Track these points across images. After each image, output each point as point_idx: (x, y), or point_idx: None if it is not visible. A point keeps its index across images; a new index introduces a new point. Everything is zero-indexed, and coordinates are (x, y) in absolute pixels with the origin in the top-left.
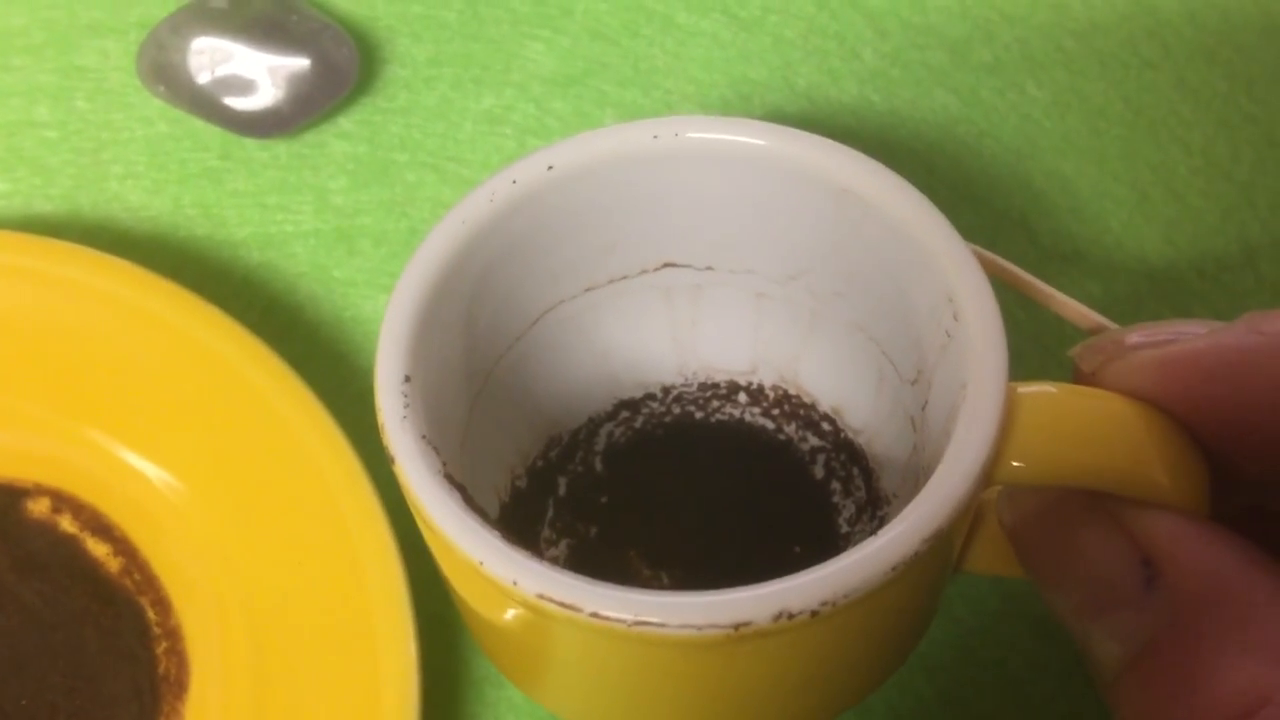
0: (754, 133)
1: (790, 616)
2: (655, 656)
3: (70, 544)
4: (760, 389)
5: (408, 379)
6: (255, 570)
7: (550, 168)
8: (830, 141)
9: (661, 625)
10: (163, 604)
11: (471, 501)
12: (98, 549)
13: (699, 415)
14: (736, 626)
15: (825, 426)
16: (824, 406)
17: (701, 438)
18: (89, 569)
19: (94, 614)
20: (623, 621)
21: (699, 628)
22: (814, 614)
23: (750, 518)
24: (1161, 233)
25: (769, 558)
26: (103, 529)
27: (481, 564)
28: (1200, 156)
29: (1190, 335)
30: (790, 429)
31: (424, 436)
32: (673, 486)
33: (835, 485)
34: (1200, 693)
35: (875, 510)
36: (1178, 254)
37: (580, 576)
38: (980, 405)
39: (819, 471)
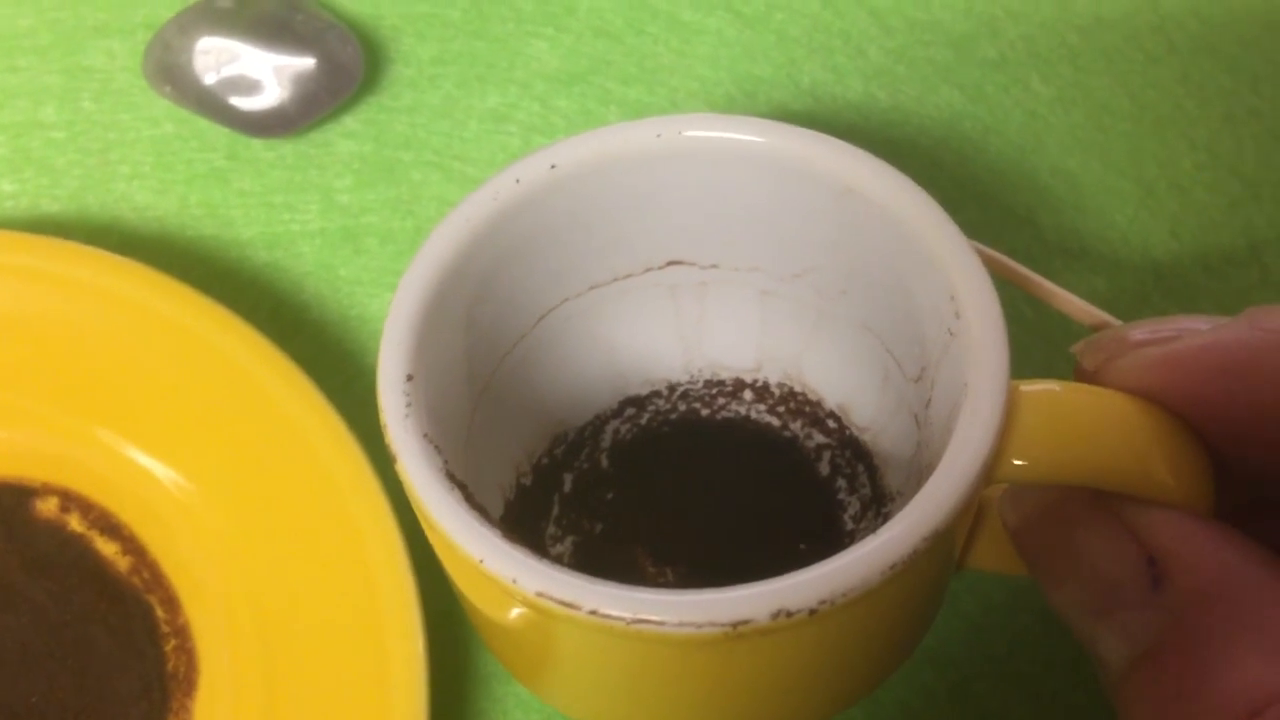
0: (757, 131)
1: (789, 615)
2: (655, 654)
3: (79, 543)
4: (766, 386)
5: (410, 378)
6: (263, 568)
7: (553, 166)
8: (834, 139)
9: (660, 623)
10: (171, 602)
11: (473, 500)
12: (106, 548)
13: (705, 412)
14: (735, 625)
15: (830, 424)
16: (829, 404)
17: (707, 435)
18: (97, 568)
19: (103, 612)
20: (621, 619)
21: (698, 626)
22: (812, 612)
23: (756, 514)
24: (1167, 227)
25: (774, 555)
26: (111, 528)
27: (481, 562)
28: (1205, 151)
29: (1192, 332)
30: (796, 426)
31: (426, 435)
32: (678, 483)
33: (841, 482)
34: (1207, 692)
35: (880, 507)
36: (1183, 249)
37: (580, 574)
38: (980, 404)
39: (824, 468)
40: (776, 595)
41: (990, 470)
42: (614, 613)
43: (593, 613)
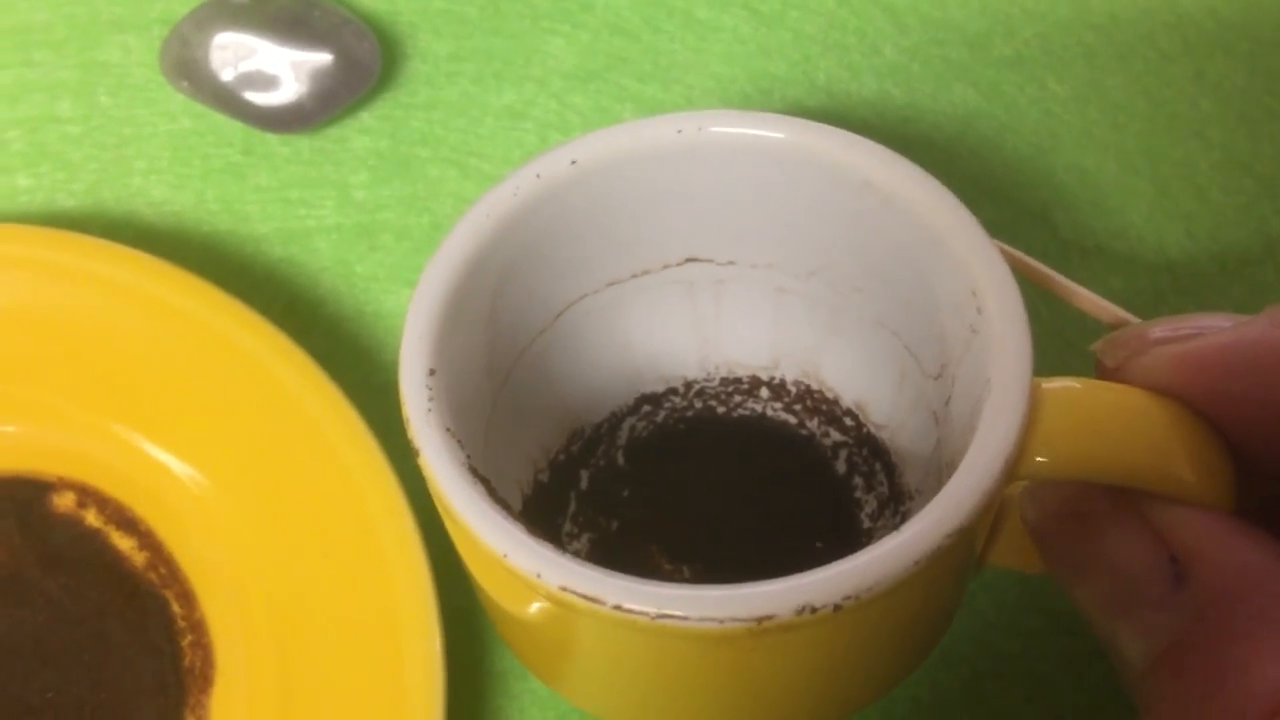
0: (776, 126)
1: (813, 610)
2: (677, 649)
3: (95, 538)
4: (782, 384)
5: (432, 372)
6: (279, 563)
7: (574, 162)
8: (852, 135)
9: (684, 618)
10: (187, 597)
11: (495, 494)
12: (123, 543)
13: (721, 410)
14: (759, 620)
15: (847, 421)
16: (846, 401)
17: (723, 432)
18: (114, 563)
19: (119, 607)
20: (645, 614)
21: (721, 621)
22: (836, 608)
23: (772, 513)
24: (1182, 226)
25: (790, 553)
26: (127, 523)
27: (505, 556)
28: (1220, 150)
29: (1212, 329)
30: (812, 424)
31: (448, 429)
32: (694, 481)
33: (858, 481)
34: (1229, 690)
35: (898, 506)
36: (1199, 247)
37: (603, 569)
38: (1004, 401)
39: (841, 467)
40: (801, 591)
41: (1013, 467)
42: (638, 607)
43: (617, 607)
